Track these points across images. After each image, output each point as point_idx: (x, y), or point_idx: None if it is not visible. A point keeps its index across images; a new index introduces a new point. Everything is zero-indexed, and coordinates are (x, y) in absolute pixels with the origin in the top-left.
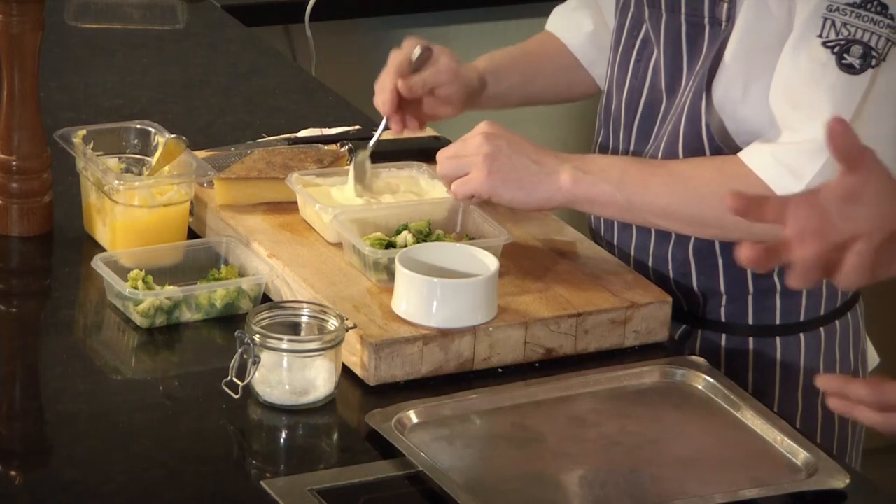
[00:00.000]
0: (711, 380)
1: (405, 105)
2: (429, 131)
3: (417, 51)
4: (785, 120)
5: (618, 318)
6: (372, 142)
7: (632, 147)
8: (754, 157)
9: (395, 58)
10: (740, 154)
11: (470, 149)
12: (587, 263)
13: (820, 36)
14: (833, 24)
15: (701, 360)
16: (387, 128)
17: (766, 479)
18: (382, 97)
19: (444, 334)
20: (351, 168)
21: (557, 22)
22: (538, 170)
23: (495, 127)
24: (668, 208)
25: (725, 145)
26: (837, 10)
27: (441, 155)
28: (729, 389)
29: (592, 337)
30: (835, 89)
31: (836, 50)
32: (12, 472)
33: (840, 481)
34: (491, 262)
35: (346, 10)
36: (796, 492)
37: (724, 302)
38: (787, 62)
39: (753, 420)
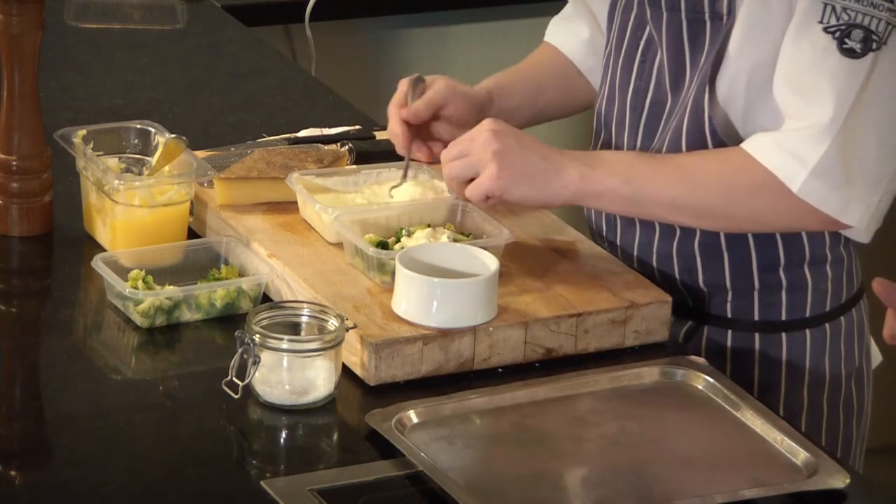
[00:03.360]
0: (711, 380)
1: (423, 136)
2: None
3: (410, 80)
4: (787, 107)
5: (618, 318)
6: (402, 180)
7: (638, 146)
8: (757, 147)
9: (393, 97)
10: (743, 145)
11: (477, 147)
12: (587, 263)
13: (821, 22)
14: (833, 9)
15: (701, 359)
16: (412, 160)
17: (766, 479)
18: (394, 134)
19: (444, 334)
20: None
21: (554, 31)
22: (547, 166)
23: (500, 123)
24: (676, 201)
25: (728, 139)
26: None
27: (446, 155)
28: (729, 389)
29: (592, 337)
30: (836, 74)
31: (836, 35)
32: (12, 472)
33: (840, 481)
34: (491, 262)
35: (346, 10)
36: (796, 492)
37: (729, 297)
38: (789, 49)
39: (753, 420)
